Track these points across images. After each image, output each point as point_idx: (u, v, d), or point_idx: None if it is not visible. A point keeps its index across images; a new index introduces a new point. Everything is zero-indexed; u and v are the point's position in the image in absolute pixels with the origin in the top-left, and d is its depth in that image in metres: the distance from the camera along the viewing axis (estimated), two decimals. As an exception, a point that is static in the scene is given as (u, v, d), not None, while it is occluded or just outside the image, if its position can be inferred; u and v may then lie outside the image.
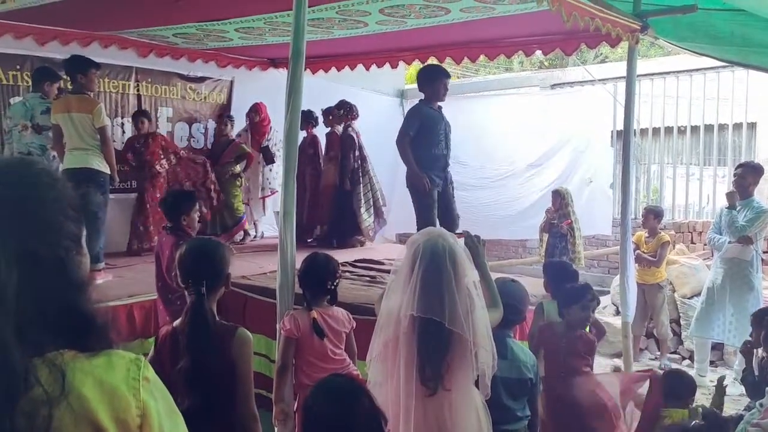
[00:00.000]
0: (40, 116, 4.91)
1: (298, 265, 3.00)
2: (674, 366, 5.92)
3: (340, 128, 6.77)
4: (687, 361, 6.13)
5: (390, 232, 9.06)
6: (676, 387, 3.29)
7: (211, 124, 7.29)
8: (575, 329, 3.31)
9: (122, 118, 6.48)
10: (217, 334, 2.20)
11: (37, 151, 4.97)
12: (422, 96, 4.95)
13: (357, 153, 6.61)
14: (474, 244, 2.55)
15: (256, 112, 7.00)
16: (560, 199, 6.63)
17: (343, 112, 6.64)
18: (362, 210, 6.60)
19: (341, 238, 6.63)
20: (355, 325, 3.00)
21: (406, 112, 9.25)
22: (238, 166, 6.74)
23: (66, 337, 0.86)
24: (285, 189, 2.78)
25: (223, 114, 7.07)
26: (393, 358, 2.18)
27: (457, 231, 2.50)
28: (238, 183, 6.78)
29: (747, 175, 5.22)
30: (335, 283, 2.93)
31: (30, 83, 5.44)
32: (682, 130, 8.30)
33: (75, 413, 0.83)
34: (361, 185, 6.63)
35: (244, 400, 2.20)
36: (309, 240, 6.69)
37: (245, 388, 2.21)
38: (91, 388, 0.85)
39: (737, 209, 5.17)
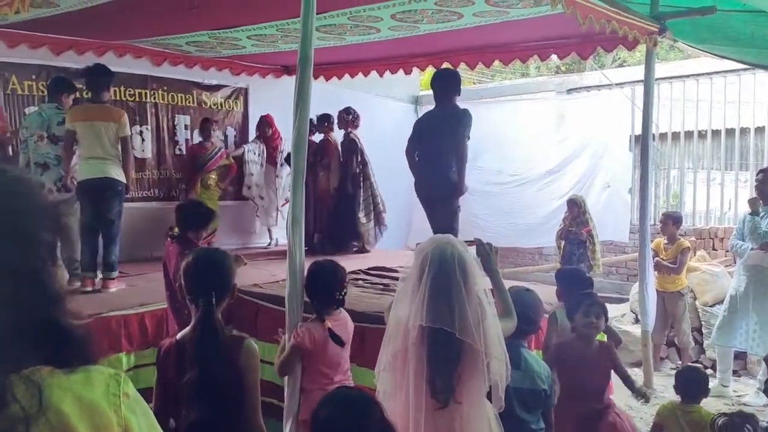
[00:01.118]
0: (56, 127, 4.92)
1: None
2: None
3: (334, 136, 6.81)
4: (709, 371, 5.98)
5: (412, 240, 9.01)
6: (690, 383, 3.25)
7: (231, 132, 7.31)
8: (586, 339, 3.22)
9: (140, 126, 6.52)
10: (225, 345, 2.17)
11: (53, 161, 4.98)
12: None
13: (359, 158, 6.62)
14: (486, 252, 2.49)
15: (267, 125, 7.04)
16: (577, 208, 6.56)
17: (351, 117, 6.68)
18: (362, 215, 6.61)
19: (340, 244, 6.62)
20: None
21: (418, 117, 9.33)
22: (217, 176, 6.71)
23: (42, 352, 0.84)
24: (294, 196, 2.75)
25: (209, 119, 6.81)
26: (402, 369, 2.12)
27: (469, 239, 2.44)
28: (218, 192, 6.72)
29: None
30: (344, 293, 2.88)
31: (45, 93, 5.48)
32: (702, 134, 8.15)
33: (54, 430, 0.80)
34: (362, 190, 6.64)
35: (251, 412, 2.16)
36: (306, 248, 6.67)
37: (252, 401, 2.16)
38: (70, 404, 0.83)
39: (760, 215, 5.04)
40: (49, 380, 0.82)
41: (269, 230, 7.38)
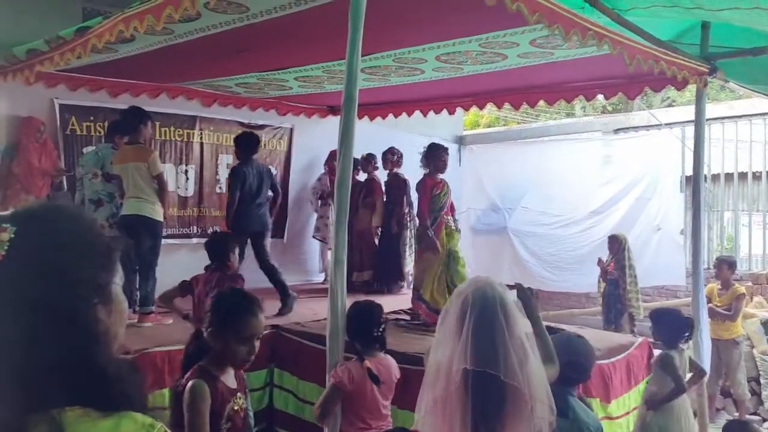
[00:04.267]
0: (110, 166, 5.12)
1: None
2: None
3: (378, 175, 6.91)
4: (769, 424, 5.67)
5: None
6: None
7: (273, 171, 7.41)
8: None
9: (186, 165, 6.68)
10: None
11: (106, 198, 5.16)
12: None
13: (407, 198, 6.69)
14: (527, 296, 2.44)
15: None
16: (617, 245, 6.47)
17: (396, 157, 6.81)
18: (407, 255, 6.63)
19: (388, 284, 6.62)
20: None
21: (463, 158, 9.36)
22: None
23: (75, 392, 0.82)
24: (336, 236, 2.75)
25: (442, 147, 5.40)
26: (443, 415, 2.06)
27: (509, 283, 2.39)
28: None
29: None
30: (381, 330, 2.89)
31: (102, 133, 5.70)
32: (757, 176, 7.89)
33: None
34: (408, 230, 6.67)
35: None
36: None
37: None
38: None
39: None
40: (74, 424, 0.80)
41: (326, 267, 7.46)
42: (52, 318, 0.83)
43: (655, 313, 4.04)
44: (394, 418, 3.08)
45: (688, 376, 3.85)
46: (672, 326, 3.73)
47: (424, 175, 5.27)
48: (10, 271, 0.82)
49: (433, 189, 5.14)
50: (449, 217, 5.22)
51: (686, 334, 3.73)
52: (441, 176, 5.25)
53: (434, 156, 5.22)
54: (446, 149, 5.41)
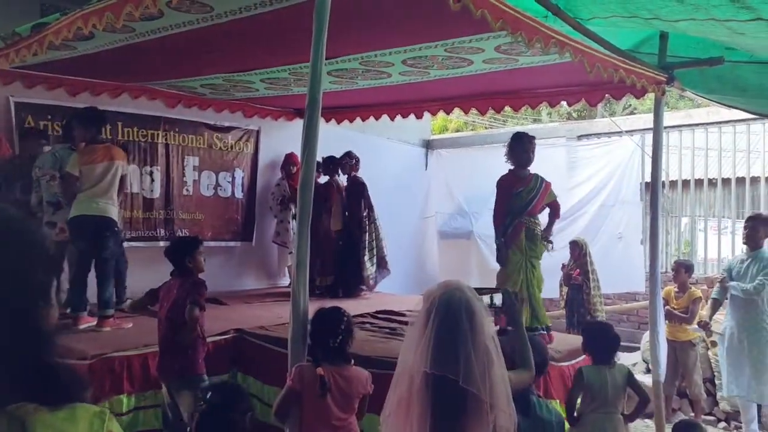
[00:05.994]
0: (69, 167, 4.99)
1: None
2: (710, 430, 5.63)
3: (341, 179, 6.91)
4: (723, 424, 5.82)
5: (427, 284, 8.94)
6: None
7: (239, 173, 7.34)
8: None
9: (151, 166, 6.56)
10: None
11: (65, 200, 5.03)
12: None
13: (366, 201, 6.69)
14: (511, 301, 2.47)
15: (292, 163, 7.10)
16: (578, 250, 6.59)
17: (354, 161, 6.83)
18: (366, 258, 6.64)
19: (347, 288, 6.60)
20: (372, 390, 2.86)
21: (430, 161, 9.41)
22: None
23: (29, 389, 0.86)
24: (299, 239, 2.74)
25: (527, 136, 4.81)
26: (406, 416, 2.07)
27: (491, 286, 2.43)
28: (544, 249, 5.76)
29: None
30: (338, 340, 2.83)
31: (60, 133, 5.56)
32: (713, 183, 8.13)
33: None
34: (367, 234, 6.67)
35: None
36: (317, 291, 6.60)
37: None
38: None
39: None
40: (32, 417, 0.83)
41: (288, 269, 7.40)
42: (6, 320, 0.85)
43: (586, 327, 4.04)
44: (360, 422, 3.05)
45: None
46: (598, 341, 3.57)
47: (509, 170, 4.67)
48: None
49: (512, 187, 4.51)
50: (533, 219, 4.54)
51: (612, 351, 3.55)
52: (529, 171, 4.65)
53: (516, 148, 4.58)
54: (531, 138, 4.69)
